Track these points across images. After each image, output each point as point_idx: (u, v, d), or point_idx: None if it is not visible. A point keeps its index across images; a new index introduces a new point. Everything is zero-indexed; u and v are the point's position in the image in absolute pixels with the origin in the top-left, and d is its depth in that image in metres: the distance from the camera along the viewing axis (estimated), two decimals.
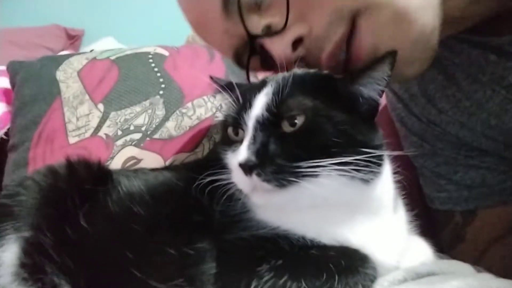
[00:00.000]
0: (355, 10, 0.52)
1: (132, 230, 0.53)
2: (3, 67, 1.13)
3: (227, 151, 0.52)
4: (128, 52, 1.07)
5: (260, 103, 0.49)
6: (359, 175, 0.47)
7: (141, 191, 0.58)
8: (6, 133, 1.03)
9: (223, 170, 0.51)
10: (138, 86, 0.98)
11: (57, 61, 1.05)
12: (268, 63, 0.59)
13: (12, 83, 1.05)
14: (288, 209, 0.50)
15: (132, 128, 0.93)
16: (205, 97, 0.99)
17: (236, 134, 0.52)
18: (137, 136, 0.92)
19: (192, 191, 0.53)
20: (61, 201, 0.57)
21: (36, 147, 0.93)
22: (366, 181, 0.48)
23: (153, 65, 1.03)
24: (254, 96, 0.50)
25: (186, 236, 0.50)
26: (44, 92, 0.99)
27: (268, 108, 0.48)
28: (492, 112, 0.68)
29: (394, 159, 0.58)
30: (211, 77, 0.61)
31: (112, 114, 0.95)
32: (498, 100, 0.67)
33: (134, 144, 0.91)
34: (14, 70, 1.06)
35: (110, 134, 0.92)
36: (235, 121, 0.51)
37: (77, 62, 1.04)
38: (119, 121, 0.94)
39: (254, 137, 0.48)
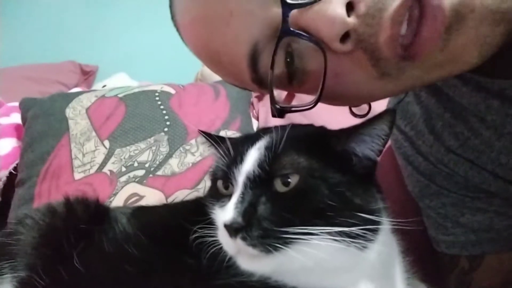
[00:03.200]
0: None
1: (125, 271, 0.52)
2: (16, 104, 1.17)
3: (214, 205, 0.50)
4: (136, 90, 1.10)
5: (251, 158, 0.46)
6: (353, 243, 0.44)
7: (137, 231, 0.59)
8: (15, 168, 1.05)
9: (210, 226, 0.49)
10: (143, 123, 1.01)
11: (67, 98, 1.09)
12: (295, 68, 0.48)
13: (23, 119, 1.09)
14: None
15: (136, 164, 0.94)
16: None
17: (226, 188, 0.49)
18: (140, 172, 0.93)
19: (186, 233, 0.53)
20: (57, 241, 0.58)
21: (42, 182, 0.95)
22: (361, 249, 0.46)
23: (159, 102, 1.05)
24: (246, 150, 0.48)
25: (177, 280, 0.50)
26: (53, 129, 1.02)
27: (260, 165, 0.45)
28: (503, 151, 0.66)
29: (397, 200, 0.56)
30: (200, 131, 0.58)
31: (117, 150, 0.97)
32: (507, 137, 0.65)
33: (137, 181, 0.92)
34: (25, 106, 1.09)
35: (115, 170, 0.94)
36: (224, 175, 0.49)
37: (86, 100, 1.07)
38: (124, 158, 0.95)
39: (243, 195, 0.45)
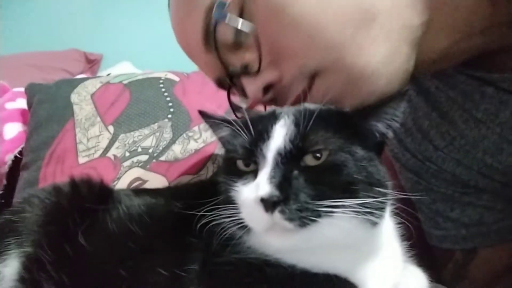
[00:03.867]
0: (316, 70, 0.54)
1: (128, 248, 0.54)
2: (22, 89, 1.18)
3: (234, 183, 0.48)
4: (140, 77, 1.11)
5: (280, 135, 0.47)
6: (372, 217, 0.45)
7: (140, 211, 0.60)
8: (20, 152, 1.06)
9: (223, 206, 0.48)
10: (147, 110, 1.02)
11: (72, 84, 1.10)
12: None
13: (29, 104, 1.10)
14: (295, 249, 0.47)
15: (139, 150, 0.95)
16: None
17: (247, 165, 0.49)
18: (144, 158, 0.94)
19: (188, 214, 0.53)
20: (63, 219, 0.59)
21: (47, 166, 0.96)
22: (374, 224, 0.47)
23: (163, 89, 1.06)
24: (271, 127, 0.48)
25: (179, 258, 0.51)
26: (58, 114, 1.03)
27: (292, 140, 0.46)
28: (488, 151, 0.68)
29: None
30: (201, 112, 0.59)
31: (121, 136, 0.98)
32: (493, 138, 0.66)
33: (141, 166, 0.93)
34: (31, 92, 1.11)
35: (118, 155, 0.95)
36: (248, 153, 0.48)
37: (91, 86, 1.08)
38: (128, 143, 0.96)
39: (274, 170, 0.44)
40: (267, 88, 0.57)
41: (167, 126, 0.99)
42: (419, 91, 0.74)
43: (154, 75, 1.12)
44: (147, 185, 0.90)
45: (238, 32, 0.55)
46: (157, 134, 0.98)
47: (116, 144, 0.97)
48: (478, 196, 0.72)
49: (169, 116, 1.00)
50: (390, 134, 0.51)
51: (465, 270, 0.76)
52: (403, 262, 0.57)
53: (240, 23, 0.53)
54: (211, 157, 0.95)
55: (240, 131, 0.49)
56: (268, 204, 0.43)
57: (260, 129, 0.49)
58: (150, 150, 0.95)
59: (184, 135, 0.98)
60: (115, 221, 0.58)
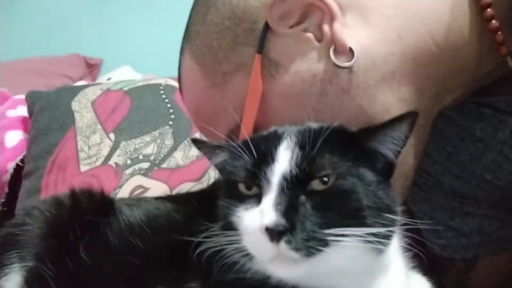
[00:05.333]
0: None
1: (129, 262, 0.53)
2: (23, 96, 1.18)
3: (236, 208, 0.45)
4: (141, 84, 1.11)
5: (285, 158, 0.44)
6: (380, 246, 0.43)
7: (141, 222, 0.59)
8: (22, 160, 1.06)
9: (224, 232, 0.45)
10: (148, 117, 1.02)
11: (73, 91, 1.10)
12: None
13: (30, 112, 1.10)
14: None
15: (141, 157, 0.95)
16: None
17: (249, 188, 0.46)
18: (145, 165, 0.94)
19: (187, 228, 0.53)
20: (64, 232, 0.58)
21: (49, 174, 0.96)
22: (381, 251, 0.45)
23: (164, 96, 1.06)
24: (275, 150, 0.45)
25: (179, 274, 0.50)
26: (59, 122, 1.03)
27: (298, 164, 0.44)
28: (487, 168, 0.67)
29: None
30: (194, 140, 0.58)
31: (123, 143, 0.98)
32: (491, 156, 0.65)
33: (142, 173, 0.93)
34: (32, 99, 1.11)
35: (120, 163, 0.95)
36: (250, 176, 0.46)
37: (92, 93, 1.08)
38: (129, 151, 0.96)
39: (280, 195, 0.42)
40: None
41: (168, 133, 0.99)
42: None
43: (154, 81, 1.12)
44: (149, 193, 0.90)
45: None
46: (158, 141, 0.98)
47: (118, 151, 0.96)
48: (477, 205, 0.72)
49: (170, 122, 1.00)
50: (392, 157, 0.49)
51: (466, 278, 0.75)
52: (408, 271, 0.56)
53: None
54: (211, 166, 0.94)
55: (241, 153, 0.47)
56: (274, 233, 0.40)
57: (263, 150, 0.46)
58: (152, 158, 0.95)
59: (185, 141, 0.98)
60: (115, 234, 0.58)
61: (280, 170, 0.44)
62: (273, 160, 0.45)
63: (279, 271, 0.44)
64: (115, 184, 0.91)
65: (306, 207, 0.42)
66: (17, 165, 1.06)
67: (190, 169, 0.94)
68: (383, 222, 0.44)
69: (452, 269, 0.76)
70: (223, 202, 0.48)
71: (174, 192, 0.91)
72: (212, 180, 0.92)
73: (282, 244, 0.41)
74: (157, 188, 0.90)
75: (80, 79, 1.85)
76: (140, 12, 2.03)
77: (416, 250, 0.53)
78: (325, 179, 0.43)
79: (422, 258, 0.56)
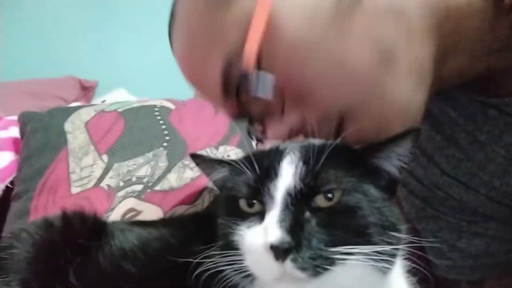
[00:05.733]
0: (342, 113, 0.53)
1: None
2: (15, 117, 1.16)
3: (238, 226, 0.44)
4: (135, 105, 1.10)
5: (289, 173, 0.44)
6: (386, 265, 0.42)
7: (134, 247, 0.58)
8: (11, 182, 1.04)
9: (224, 252, 0.44)
10: (142, 138, 1.00)
11: (66, 112, 1.09)
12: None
13: (22, 133, 1.08)
14: None
15: (134, 179, 0.94)
16: (207, 149, 1.00)
17: (250, 206, 0.45)
18: (138, 187, 0.92)
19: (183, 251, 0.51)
20: (53, 256, 0.56)
21: (39, 196, 0.93)
22: (387, 270, 0.44)
23: (158, 117, 1.05)
24: (278, 165, 0.45)
25: None
26: (52, 143, 1.01)
27: (302, 179, 0.43)
28: (495, 174, 0.67)
29: None
30: (193, 155, 0.56)
31: (116, 165, 0.96)
32: (498, 160, 0.65)
33: (135, 196, 0.91)
34: (24, 120, 1.09)
35: (112, 185, 0.93)
36: (253, 192, 0.45)
37: (86, 114, 1.07)
38: (122, 172, 0.95)
39: (284, 212, 0.41)
40: (291, 130, 0.56)
41: (162, 154, 0.98)
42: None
43: (149, 103, 1.11)
44: (142, 216, 0.88)
45: (257, 80, 0.52)
46: (152, 163, 0.96)
47: (110, 173, 0.95)
48: (486, 225, 0.71)
49: (165, 144, 0.99)
50: (396, 173, 0.49)
51: None
52: None
53: (261, 76, 0.51)
54: (207, 187, 0.93)
55: (243, 168, 0.46)
56: (279, 251, 0.39)
57: (266, 166, 0.45)
58: (145, 180, 0.93)
59: (180, 163, 0.97)
60: (107, 258, 0.56)
61: (284, 185, 0.43)
62: (276, 175, 0.44)
63: None
64: (107, 206, 0.89)
65: (311, 224, 0.41)
66: (7, 187, 1.03)
67: (184, 191, 0.92)
68: (389, 240, 0.43)
69: None
70: (223, 220, 0.47)
71: (168, 215, 0.89)
72: (206, 204, 0.90)
73: (288, 263, 0.39)
74: (150, 211, 0.88)
75: (75, 101, 1.84)
76: (135, 35, 2.05)
77: (420, 269, 0.51)
78: (330, 194, 0.43)
79: (428, 278, 0.54)
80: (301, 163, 0.44)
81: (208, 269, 0.45)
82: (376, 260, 0.41)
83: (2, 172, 1.06)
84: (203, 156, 0.56)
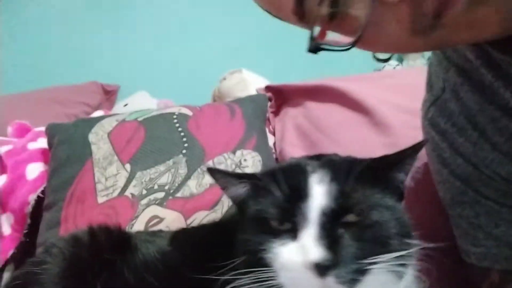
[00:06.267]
0: None
1: None
2: (42, 128, 1.22)
3: (269, 243, 0.45)
4: (155, 113, 1.13)
5: (320, 192, 0.46)
6: (402, 269, 0.46)
7: (155, 259, 0.61)
8: (43, 192, 1.10)
9: (252, 270, 0.45)
10: (162, 146, 1.04)
11: (90, 123, 1.13)
12: (339, 15, 0.49)
13: (50, 144, 1.13)
14: None
15: (156, 187, 0.97)
16: (225, 154, 1.03)
17: (281, 224, 0.47)
18: (160, 195, 0.96)
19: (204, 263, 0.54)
20: (82, 271, 0.60)
21: (68, 207, 0.99)
22: (403, 275, 0.47)
23: (177, 125, 1.08)
24: (305, 184, 0.47)
25: None
26: (77, 154, 1.06)
27: (335, 199, 0.45)
28: None
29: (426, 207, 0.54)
30: (211, 169, 0.55)
31: (138, 173, 1.00)
32: None
33: (158, 203, 0.95)
34: (51, 132, 1.14)
35: (136, 193, 0.97)
36: (283, 212, 0.46)
37: (108, 124, 1.11)
38: (144, 181, 0.99)
39: (321, 230, 0.44)
40: None
41: (181, 161, 1.01)
42: (473, 86, 0.69)
43: (168, 110, 1.14)
44: (164, 223, 0.92)
45: None
46: (173, 170, 1.00)
47: (133, 182, 0.99)
48: None
49: (184, 151, 1.02)
50: (407, 180, 0.51)
51: None
52: None
53: None
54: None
55: (267, 188, 0.47)
56: (322, 269, 0.42)
57: (293, 185, 0.47)
58: (166, 187, 0.97)
59: (199, 169, 1.00)
60: (132, 272, 0.59)
61: (317, 205, 0.45)
62: (307, 194, 0.46)
63: None
64: (131, 215, 0.93)
65: (345, 240, 0.44)
66: (38, 196, 1.09)
67: (204, 197, 0.95)
68: (405, 247, 0.46)
69: (486, 282, 0.74)
70: (249, 237, 0.48)
71: (189, 221, 0.92)
72: (225, 208, 0.93)
73: (330, 279, 0.42)
74: (172, 218, 0.92)
75: (98, 106, 1.90)
76: (154, 38, 2.08)
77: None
78: (360, 212, 0.45)
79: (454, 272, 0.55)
80: (331, 182, 0.46)
81: (232, 285, 0.48)
82: (395, 266, 0.44)
83: (33, 183, 1.12)
84: (221, 171, 0.57)
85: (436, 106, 0.75)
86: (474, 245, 0.73)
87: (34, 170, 1.15)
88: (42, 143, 1.22)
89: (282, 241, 0.45)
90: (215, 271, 0.54)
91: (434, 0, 0.45)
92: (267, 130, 1.22)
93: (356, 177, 0.47)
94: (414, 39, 0.49)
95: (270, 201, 0.48)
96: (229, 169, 1.00)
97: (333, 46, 0.50)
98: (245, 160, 1.03)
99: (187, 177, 0.98)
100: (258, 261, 0.46)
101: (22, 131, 1.34)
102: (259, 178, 0.51)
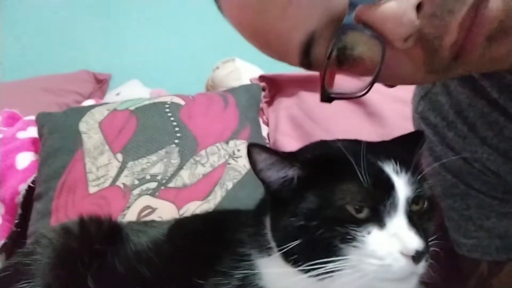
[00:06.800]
0: None
1: None
2: (33, 117, 1.20)
3: (353, 231, 0.45)
4: (147, 102, 1.12)
5: (401, 182, 0.47)
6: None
7: (148, 250, 0.60)
8: (33, 181, 1.08)
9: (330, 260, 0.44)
10: (155, 136, 1.03)
11: (80, 112, 1.12)
12: (347, 61, 0.48)
13: (40, 134, 1.12)
14: None
15: (148, 177, 0.96)
16: (218, 144, 1.02)
17: (358, 212, 0.46)
18: (152, 185, 0.95)
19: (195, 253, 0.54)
20: (72, 261, 0.60)
21: (59, 197, 0.97)
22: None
23: (169, 114, 1.07)
24: (384, 173, 0.47)
25: None
26: (68, 144, 1.05)
27: (415, 189, 0.48)
28: None
29: None
30: (253, 145, 0.49)
31: (130, 163, 0.99)
32: None
33: (150, 193, 0.94)
34: (41, 121, 1.13)
35: (128, 183, 0.96)
36: (369, 200, 0.46)
37: (99, 114, 1.10)
38: (136, 171, 0.98)
39: (408, 219, 0.45)
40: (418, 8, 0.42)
41: (174, 151, 1.00)
42: (463, 80, 0.69)
43: (160, 99, 1.13)
44: (157, 213, 0.91)
45: None
46: (165, 160, 0.99)
47: (125, 172, 0.98)
48: None
49: (176, 141, 1.01)
50: None
51: (488, 283, 0.74)
52: None
53: None
54: (218, 182, 0.95)
55: (344, 172, 0.47)
56: (420, 255, 0.44)
57: (373, 173, 0.47)
58: (159, 177, 0.96)
59: (192, 159, 0.99)
60: (123, 262, 0.59)
61: (402, 194, 0.46)
62: (392, 184, 0.47)
63: (402, 287, 0.47)
64: (123, 205, 0.92)
65: (423, 227, 0.47)
66: (29, 186, 1.08)
67: (196, 188, 0.95)
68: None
69: (475, 273, 0.75)
70: (310, 223, 0.46)
71: (181, 211, 0.92)
72: (218, 199, 0.93)
73: (422, 264, 0.45)
74: (164, 208, 0.91)
75: (90, 94, 1.87)
76: (147, 26, 2.05)
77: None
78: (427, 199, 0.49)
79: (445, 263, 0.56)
80: (404, 173, 0.48)
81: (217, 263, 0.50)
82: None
83: (23, 173, 1.10)
84: (268, 149, 0.51)
85: (426, 100, 0.75)
86: (465, 236, 0.74)
87: (25, 159, 1.13)
88: (32, 132, 1.20)
89: (367, 229, 0.45)
90: (209, 262, 0.54)
91: (451, 45, 0.43)
92: (260, 120, 1.21)
93: (414, 167, 0.49)
94: (431, 75, 0.48)
95: (349, 187, 0.46)
96: (222, 159, 1.00)
97: (347, 94, 0.49)
98: (238, 150, 1.02)
99: (180, 167, 0.98)
100: (328, 248, 0.45)
101: (12, 120, 1.32)
102: (315, 163, 0.50)
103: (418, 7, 0.41)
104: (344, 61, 0.47)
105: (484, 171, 0.70)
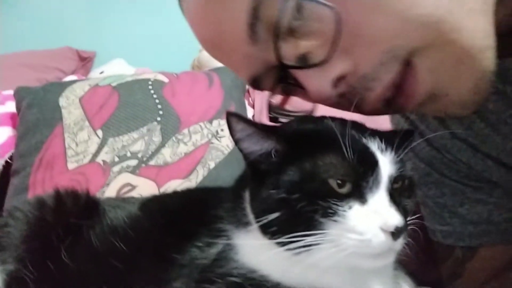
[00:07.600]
0: (412, 50, 0.46)
1: (112, 266, 0.53)
2: (11, 92, 1.17)
3: (334, 205, 0.44)
4: (129, 79, 1.09)
5: (386, 160, 0.47)
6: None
7: (124, 224, 0.59)
8: (10, 157, 1.06)
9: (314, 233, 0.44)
10: (136, 113, 1.01)
11: (61, 87, 1.09)
12: (293, 92, 0.52)
13: (18, 108, 1.09)
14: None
15: (128, 154, 0.95)
16: (201, 123, 1.00)
17: (341, 187, 0.45)
18: (133, 162, 0.94)
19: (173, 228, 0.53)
20: (46, 234, 0.58)
21: (36, 172, 0.95)
22: None
23: (152, 91, 1.05)
24: (368, 150, 0.46)
25: (162, 275, 0.50)
26: (47, 118, 1.02)
27: (398, 167, 0.47)
28: (508, 135, 0.65)
29: None
30: (231, 114, 0.48)
31: (110, 140, 0.97)
32: None
33: (130, 171, 0.93)
34: (20, 95, 1.09)
35: (108, 160, 0.94)
36: (352, 174, 0.45)
37: (80, 89, 1.07)
38: (117, 148, 0.96)
39: (389, 196, 0.45)
40: (337, 81, 0.47)
41: (156, 129, 0.98)
42: None
43: (143, 76, 1.11)
44: (137, 191, 0.90)
45: (298, 13, 0.44)
46: (146, 137, 0.97)
47: (105, 149, 0.96)
48: (490, 192, 0.70)
49: (158, 119, 1.00)
50: None
51: (462, 268, 0.75)
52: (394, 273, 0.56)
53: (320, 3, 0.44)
54: (200, 161, 0.94)
55: (332, 147, 0.46)
56: (399, 232, 0.44)
57: (357, 149, 0.45)
58: (139, 155, 0.95)
59: (174, 138, 0.98)
60: (98, 237, 0.57)
61: (385, 172, 0.46)
62: (376, 161, 0.46)
63: (379, 263, 0.46)
64: (103, 182, 0.91)
65: (403, 205, 0.47)
66: (6, 162, 1.05)
67: (178, 166, 0.93)
68: None
69: (450, 258, 0.76)
70: (288, 196, 0.45)
71: (162, 189, 0.90)
72: (200, 178, 0.92)
73: (400, 241, 0.44)
74: (145, 186, 0.90)
75: (73, 72, 1.83)
76: (133, 5, 2.00)
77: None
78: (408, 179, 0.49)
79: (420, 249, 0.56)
80: (388, 151, 0.48)
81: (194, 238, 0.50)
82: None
83: (1, 148, 1.08)
84: (246, 119, 0.49)
85: None
86: (440, 223, 0.75)
87: (2, 134, 1.10)
88: (10, 107, 1.17)
89: (348, 204, 0.44)
90: (186, 237, 0.53)
91: (375, 102, 0.48)
92: (246, 102, 1.20)
93: (397, 146, 0.48)
94: (374, 111, 0.50)
95: (333, 161, 0.45)
96: (205, 139, 0.98)
97: (292, 113, 0.54)
98: (222, 130, 1.01)
99: (161, 145, 0.96)
100: (308, 222, 0.44)
101: None
102: (297, 137, 0.48)
103: (339, 79, 0.47)
104: (289, 91, 0.52)
105: (455, 161, 0.71)
